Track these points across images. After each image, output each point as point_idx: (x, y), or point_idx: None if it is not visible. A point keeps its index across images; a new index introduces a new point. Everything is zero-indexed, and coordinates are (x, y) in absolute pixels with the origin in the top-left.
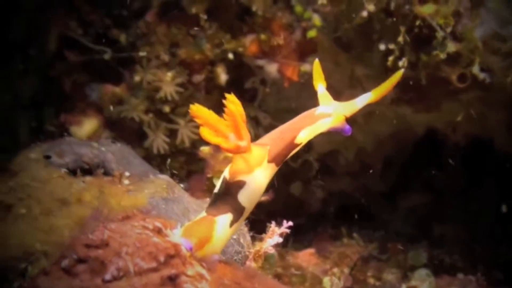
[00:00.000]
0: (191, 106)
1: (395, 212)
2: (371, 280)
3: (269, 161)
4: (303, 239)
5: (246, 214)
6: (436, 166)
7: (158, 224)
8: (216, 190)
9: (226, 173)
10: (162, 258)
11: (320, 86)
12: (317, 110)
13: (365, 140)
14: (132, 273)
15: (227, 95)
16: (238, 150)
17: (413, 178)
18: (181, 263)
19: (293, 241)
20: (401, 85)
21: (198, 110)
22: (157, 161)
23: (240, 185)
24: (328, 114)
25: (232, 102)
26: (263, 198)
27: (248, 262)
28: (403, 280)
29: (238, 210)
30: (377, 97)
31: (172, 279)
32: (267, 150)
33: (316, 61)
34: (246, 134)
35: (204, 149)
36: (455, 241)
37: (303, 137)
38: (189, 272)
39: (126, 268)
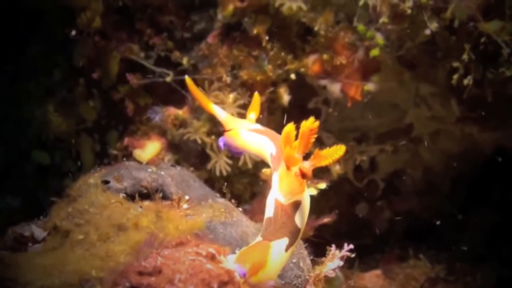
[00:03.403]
0: (287, 126)
1: (464, 232)
2: None
3: None
4: (370, 260)
5: (300, 235)
6: (506, 185)
7: (211, 250)
8: (270, 214)
9: (277, 196)
10: (215, 285)
11: (218, 109)
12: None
13: (432, 159)
14: None
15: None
16: (310, 175)
17: (482, 197)
18: None
19: (359, 261)
20: (467, 103)
21: (291, 132)
22: (220, 183)
23: (296, 205)
24: None
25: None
26: (326, 220)
27: (308, 287)
28: None
29: (294, 233)
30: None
31: None
32: None
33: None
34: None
35: (266, 171)
36: None
37: None
38: None
39: None
